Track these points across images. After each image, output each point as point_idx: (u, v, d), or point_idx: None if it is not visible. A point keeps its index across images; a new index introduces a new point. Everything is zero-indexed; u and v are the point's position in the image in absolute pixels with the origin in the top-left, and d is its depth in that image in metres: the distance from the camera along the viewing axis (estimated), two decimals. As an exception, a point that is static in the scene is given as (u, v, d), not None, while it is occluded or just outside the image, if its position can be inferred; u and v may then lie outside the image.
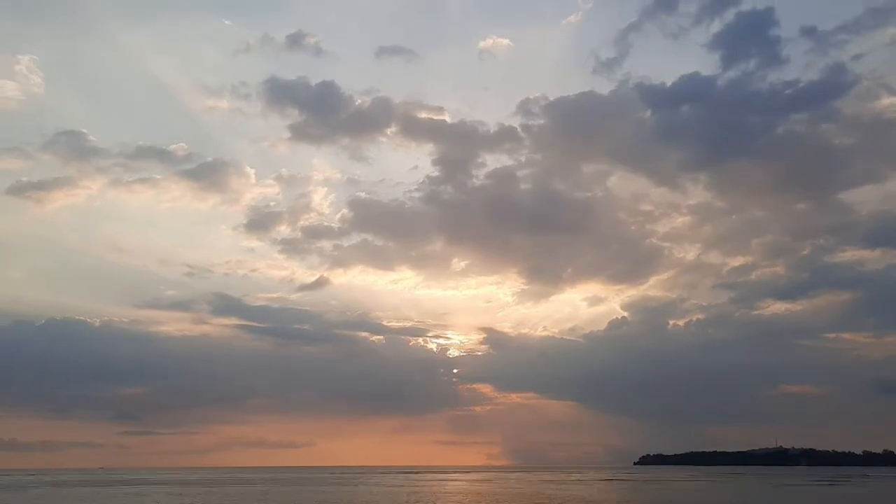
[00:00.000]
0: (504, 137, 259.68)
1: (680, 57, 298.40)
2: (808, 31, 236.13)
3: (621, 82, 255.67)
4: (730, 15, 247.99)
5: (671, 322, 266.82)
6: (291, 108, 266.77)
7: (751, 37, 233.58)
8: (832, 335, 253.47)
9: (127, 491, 77.10)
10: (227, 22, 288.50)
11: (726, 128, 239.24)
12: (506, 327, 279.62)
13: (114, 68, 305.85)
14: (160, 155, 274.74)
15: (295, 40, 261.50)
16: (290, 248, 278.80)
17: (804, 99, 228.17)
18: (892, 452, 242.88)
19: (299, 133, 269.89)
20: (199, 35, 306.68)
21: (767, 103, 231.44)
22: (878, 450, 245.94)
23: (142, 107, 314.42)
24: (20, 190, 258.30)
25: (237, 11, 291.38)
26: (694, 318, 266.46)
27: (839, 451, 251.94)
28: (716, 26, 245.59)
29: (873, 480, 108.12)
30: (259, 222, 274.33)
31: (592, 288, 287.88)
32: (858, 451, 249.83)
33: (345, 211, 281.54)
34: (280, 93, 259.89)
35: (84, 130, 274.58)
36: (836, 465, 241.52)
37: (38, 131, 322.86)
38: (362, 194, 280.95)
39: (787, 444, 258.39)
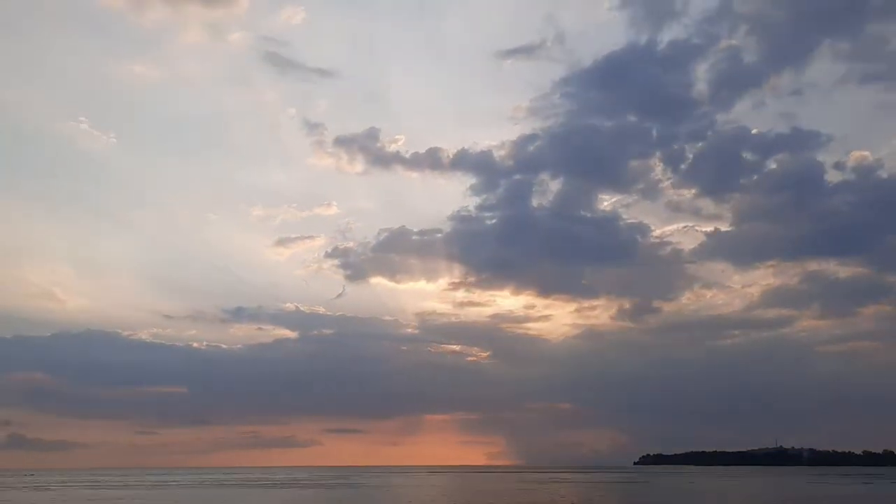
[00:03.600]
0: (521, 169, 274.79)
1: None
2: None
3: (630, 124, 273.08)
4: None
5: (675, 327, 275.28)
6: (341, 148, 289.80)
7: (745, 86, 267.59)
8: (834, 341, 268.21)
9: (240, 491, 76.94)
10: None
11: (727, 163, 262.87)
12: (513, 334, 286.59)
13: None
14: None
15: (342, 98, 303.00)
16: (317, 262, 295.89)
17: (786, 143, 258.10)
18: (892, 452, 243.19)
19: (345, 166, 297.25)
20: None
21: (757, 144, 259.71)
22: (878, 450, 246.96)
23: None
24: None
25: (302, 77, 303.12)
26: (697, 325, 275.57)
27: (839, 450, 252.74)
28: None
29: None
30: (289, 240, 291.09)
31: (601, 300, 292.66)
32: (858, 451, 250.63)
33: (376, 231, 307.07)
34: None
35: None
36: (836, 465, 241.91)
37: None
38: (394, 220, 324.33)
39: (787, 444, 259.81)
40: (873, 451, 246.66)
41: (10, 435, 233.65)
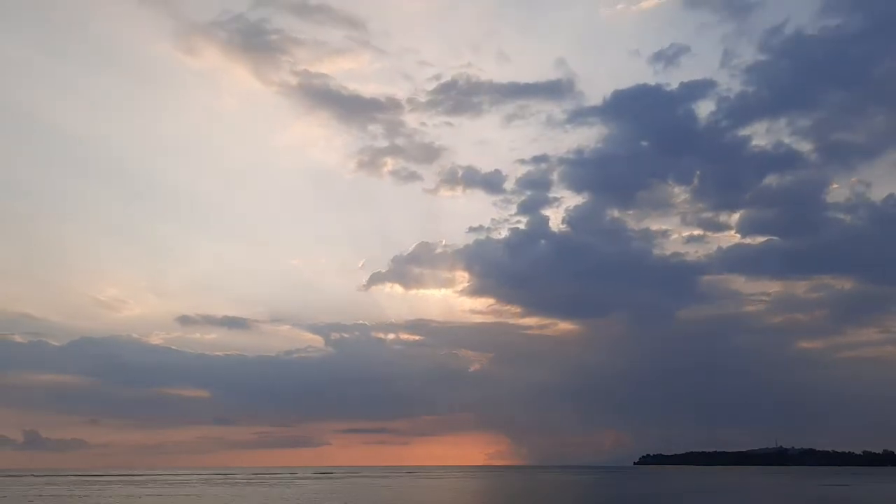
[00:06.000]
0: (536, 187, 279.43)
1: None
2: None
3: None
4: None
5: (677, 332, 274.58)
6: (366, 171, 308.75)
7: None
8: (836, 345, 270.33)
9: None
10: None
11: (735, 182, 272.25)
12: (517, 338, 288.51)
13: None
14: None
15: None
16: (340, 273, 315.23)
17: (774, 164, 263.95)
18: (892, 452, 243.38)
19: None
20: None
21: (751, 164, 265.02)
22: (878, 450, 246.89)
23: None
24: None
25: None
26: (699, 329, 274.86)
27: (839, 451, 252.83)
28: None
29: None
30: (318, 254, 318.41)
31: (607, 309, 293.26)
32: (858, 451, 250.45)
33: (393, 244, 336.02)
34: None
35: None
36: (836, 465, 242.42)
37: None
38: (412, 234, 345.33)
39: (787, 444, 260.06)
40: (873, 451, 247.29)
41: (27, 432, 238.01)
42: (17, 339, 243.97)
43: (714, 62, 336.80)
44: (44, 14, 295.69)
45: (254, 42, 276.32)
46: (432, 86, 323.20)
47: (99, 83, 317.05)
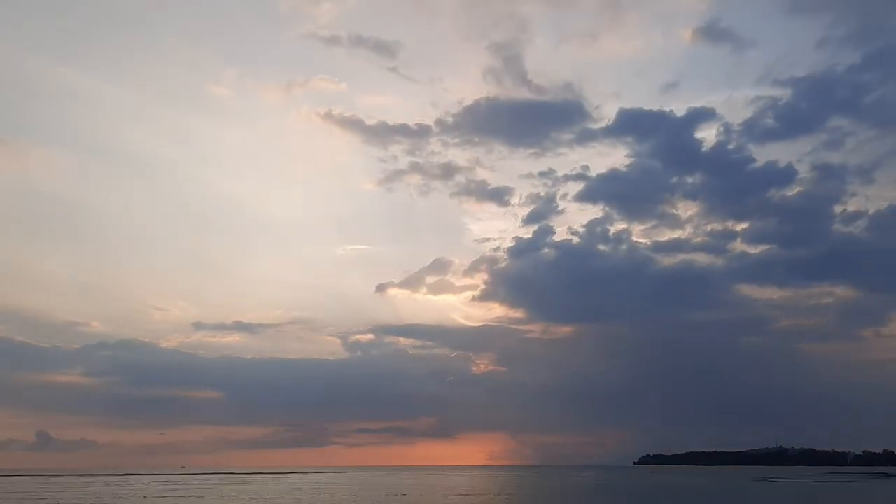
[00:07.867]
0: (545, 199, 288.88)
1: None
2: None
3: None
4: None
5: (678, 333, 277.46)
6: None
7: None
8: (833, 339, 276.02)
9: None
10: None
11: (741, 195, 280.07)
12: (519, 340, 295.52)
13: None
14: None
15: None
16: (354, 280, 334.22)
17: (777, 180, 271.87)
18: (892, 452, 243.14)
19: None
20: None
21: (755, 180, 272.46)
22: (878, 450, 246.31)
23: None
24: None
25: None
26: (700, 330, 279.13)
27: (839, 450, 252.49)
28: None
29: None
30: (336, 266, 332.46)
31: (612, 316, 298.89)
32: (858, 451, 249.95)
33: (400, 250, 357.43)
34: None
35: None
36: (837, 465, 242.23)
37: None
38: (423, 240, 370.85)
39: (787, 444, 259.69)
40: (873, 451, 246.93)
41: (37, 433, 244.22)
42: (32, 341, 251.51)
43: (718, 91, 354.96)
44: (116, 48, 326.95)
45: (286, 73, 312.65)
46: (455, 109, 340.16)
47: (139, 102, 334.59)
